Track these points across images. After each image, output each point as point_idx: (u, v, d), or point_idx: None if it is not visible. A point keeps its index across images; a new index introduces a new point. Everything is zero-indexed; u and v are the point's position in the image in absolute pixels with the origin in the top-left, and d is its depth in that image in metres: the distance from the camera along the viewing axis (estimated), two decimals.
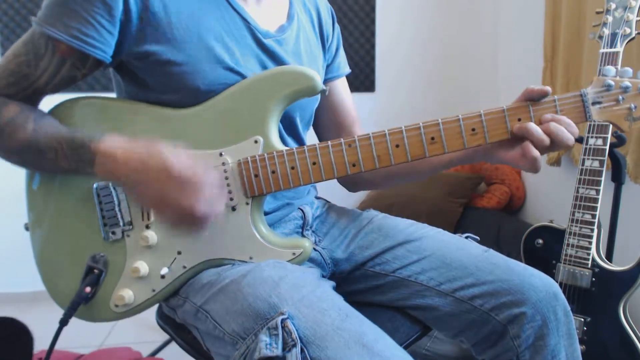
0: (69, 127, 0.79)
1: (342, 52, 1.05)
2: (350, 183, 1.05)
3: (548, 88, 0.75)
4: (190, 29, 0.77)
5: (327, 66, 1.01)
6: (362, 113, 2.58)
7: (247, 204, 0.79)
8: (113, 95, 0.90)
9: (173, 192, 0.67)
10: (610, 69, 0.76)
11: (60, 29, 0.73)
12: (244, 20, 0.82)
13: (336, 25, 1.04)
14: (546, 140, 0.73)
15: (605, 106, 0.75)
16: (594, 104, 0.76)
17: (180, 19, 0.77)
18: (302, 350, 0.62)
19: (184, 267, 0.80)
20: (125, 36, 0.76)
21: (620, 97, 0.75)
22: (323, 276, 0.89)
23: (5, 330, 1.39)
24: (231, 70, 0.80)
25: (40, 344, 1.45)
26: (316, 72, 0.80)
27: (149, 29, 0.76)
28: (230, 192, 0.79)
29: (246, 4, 0.84)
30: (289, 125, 0.90)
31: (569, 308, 0.84)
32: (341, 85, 1.03)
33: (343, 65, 1.04)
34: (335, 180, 1.02)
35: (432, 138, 0.76)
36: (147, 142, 0.70)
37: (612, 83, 0.75)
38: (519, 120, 0.75)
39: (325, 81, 1.01)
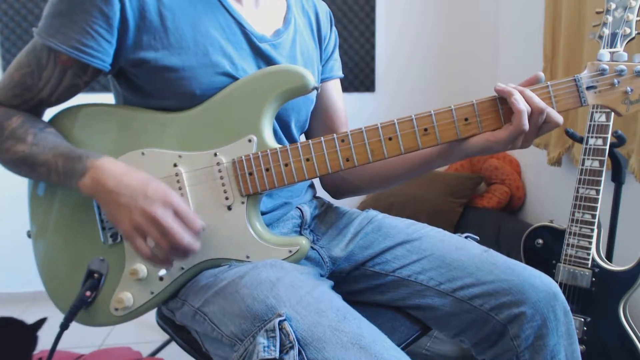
0: (69, 137, 0.81)
1: (337, 56, 1.04)
2: (334, 191, 1.04)
3: (540, 74, 0.75)
4: (186, 35, 0.78)
5: (322, 66, 1.00)
6: (362, 113, 2.59)
7: (243, 203, 0.79)
8: (112, 95, 0.90)
9: (165, 217, 0.69)
10: (605, 54, 0.75)
11: (60, 40, 0.75)
12: (240, 25, 0.83)
13: (334, 28, 1.04)
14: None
15: (601, 90, 0.74)
16: (588, 88, 0.74)
17: (176, 25, 0.77)
18: (299, 352, 0.62)
19: (182, 268, 0.80)
20: (123, 44, 0.77)
21: (616, 81, 0.73)
22: (321, 275, 0.89)
23: (9, 331, 1.39)
24: (227, 75, 0.80)
25: (41, 344, 1.45)
26: (308, 71, 0.79)
27: (145, 36, 0.76)
28: (225, 191, 0.79)
29: (243, 8, 0.84)
30: (284, 129, 0.90)
31: (568, 308, 0.84)
32: (333, 88, 1.03)
33: (337, 68, 1.04)
34: None
35: (425, 129, 0.76)
36: (147, 175, 0.73)
37: (607, 67, 0.74)
38: None
39: (321, 81, 1.00)
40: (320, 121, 1.01)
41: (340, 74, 1.05)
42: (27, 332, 1.40)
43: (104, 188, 0.72)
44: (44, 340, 1.43)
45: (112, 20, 0.74)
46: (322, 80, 1.01)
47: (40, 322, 1.41)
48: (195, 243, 0.71)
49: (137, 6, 0.75)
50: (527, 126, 0.74)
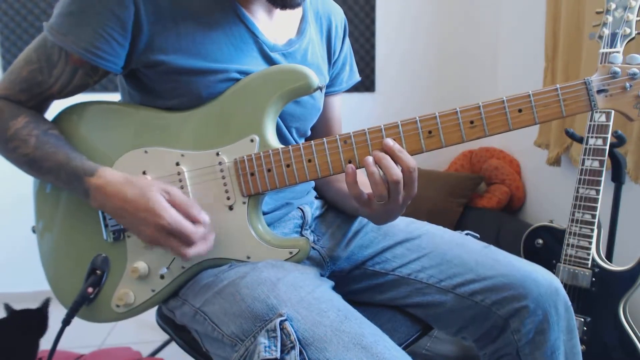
0: (74, 135, 0.82)
1: (347, 68, 1.03)
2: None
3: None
4: (198, 40, 0.77)
5: (331, 79, 1.00)
6: (362, 113, 2.59)
7: (244, 203, 0.79)
8: (114, 94, 0.91)
9: (162, 239, 0.72)
10: (617, 56, 0.72)
11: (73, 41, 0.74)
12: (252, 33, 0.82)
13: (346, 40, 1.01)
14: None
15: (612, 94, 0.71)
16: (599, 92, 0.71)
17: (189, 30, 0.77)
18: (300, 352, 0.62)
19: (183, 267, 0.80)
20: (136, 47, 0.76)
21: (628, 84, 0.70)
22: (322, 275, 0.89)
23: (24, 321, 1.41)
24: (235, 80, 0.80)
25: (42, 342, 1.45)
26: (312, 70, 0.79)
27: (157, 40, 0.76)
28: (227, 191, 0.79)
29: (255, 17, 0.83)
30: (284, 136, 0.89)
31: (569, 303, 0.84)
32: (336, 101, 1.03)
33: (347, 78, 1.03)
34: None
35: (430, 132, 0.74)
36: (142, 182, 0.73)
37: (619, 70, 0.70)
38: (520, 111, 0.72)
39: (325, 95, 0.99)
40: (317, 130, 1.01)
41: (355, 79, 1.04)
42: (38, 316, 1.41)
43: (105, 210, 0.76)
44: (46, 339, 1.43)
45: (126, 24, 0.74)
46: (330, 94, 1.00)
47: (46, 303, 1.43)
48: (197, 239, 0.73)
49: (152, 11, 0.75)
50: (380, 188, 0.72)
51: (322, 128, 1.01)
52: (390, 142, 0.72)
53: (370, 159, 0.72)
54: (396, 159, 0.72)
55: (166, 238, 0.71)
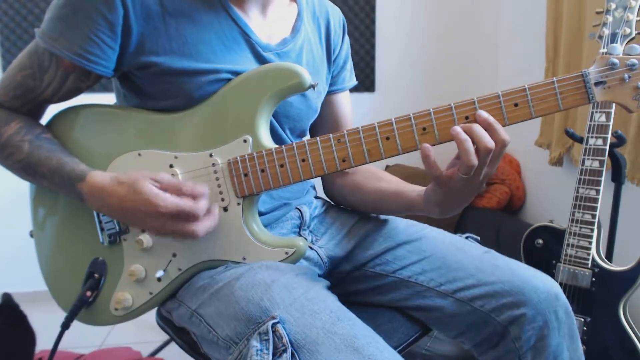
0: (67, 139, 0.82)
1: (349, 66, 1.02)
2: (335, 201, 1.03)
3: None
4: (189, 42, 0.77)
5: (332, 77, 0.99)
6: (362, 113, 2.58)
7: (239, 204, 0.78)
8: (112, 95, 0.91)
9: (168, 226, 0.70)
10: (616, 47, 0.71)
11: (64, 46, 0.74)
12: (244, 33, 0.81)
13: (346, 37, 1.01)
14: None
15: (610, 86, 0.69)
16: (597, 84, 0.70)
17: (179, 32, 0.77)
18: (292, 355, 0.62)
19: (179, 269, 0.80)
20: (126, 49, 0.76)
21: (626, 76, 0.68)
22: (319, 276, 0.89)
23: (8, 327, 1.40)
24: (227, 80, 0.79)
25: (41, 344, 1.45)
26: (304, 68, 0.78)
27: (148, 41, 0.76)
28: (221, 192, 0.78)
29: (248, 17, 0.83)
30: (280, 136, 0.88)
31: (570, 308, 0.84)
32: (344, 99, 1.02)
33: (348, 78, 1.02)
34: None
35: (424, 128, 0.73)
36: (130, 179, 0.71)
37: (617, 61, 0.69)
38: (516, 105, 0.70)
39: (329, 93, 0.99)
40: (329, 131, 0.99)
41: (353, 82, 1.03)
42: (30, 332, 1.41)
43: (110, 212, 0.76)
44: (46, 339, 1.43)
45: (115, 26, 0.74)
46: (334, 92, 1.00)
47: (7, 297, 1.40)
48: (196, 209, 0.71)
49: (141, 13, 0.74)
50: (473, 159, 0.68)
51: (332, 127, 1.00)
52: (484, 113, 0.69)
53: (457, 127, 0.69)
54: (491, 131, 0.69)
55: (171, 223, 0.70)
